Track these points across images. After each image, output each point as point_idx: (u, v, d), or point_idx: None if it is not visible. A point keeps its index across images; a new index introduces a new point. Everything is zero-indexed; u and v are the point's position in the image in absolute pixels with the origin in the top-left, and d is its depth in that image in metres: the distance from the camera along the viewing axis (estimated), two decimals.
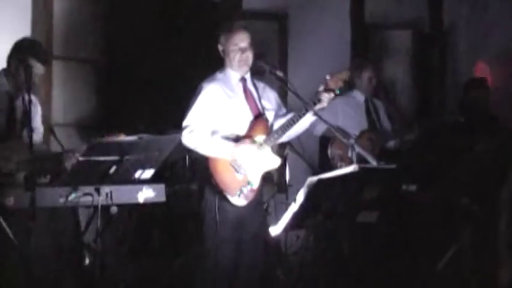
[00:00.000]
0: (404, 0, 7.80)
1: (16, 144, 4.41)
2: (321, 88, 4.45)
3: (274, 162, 4.57)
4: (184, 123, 4.48)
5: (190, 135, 4.43)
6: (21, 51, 4.63)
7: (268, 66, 4.63)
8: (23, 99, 4.63)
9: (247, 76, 4.69)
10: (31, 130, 4.12)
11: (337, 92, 4.49)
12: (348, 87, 6.27)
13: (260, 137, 4.53)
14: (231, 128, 4.54)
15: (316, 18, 7.33)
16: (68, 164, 4.45)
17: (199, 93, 4.54)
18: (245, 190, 4.46)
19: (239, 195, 4.45)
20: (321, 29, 7.33)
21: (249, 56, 4.59)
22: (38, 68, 4.60)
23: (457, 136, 5.93)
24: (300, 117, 4.46)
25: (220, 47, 4.66)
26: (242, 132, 4.55)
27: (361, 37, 7.65)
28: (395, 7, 7.78)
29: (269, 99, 4.74)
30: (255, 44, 4.64)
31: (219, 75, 4.66)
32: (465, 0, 7.82)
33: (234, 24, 4.69)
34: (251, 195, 4.50)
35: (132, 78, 6.36)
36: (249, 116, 4.59)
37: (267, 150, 4.53)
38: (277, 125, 4.61)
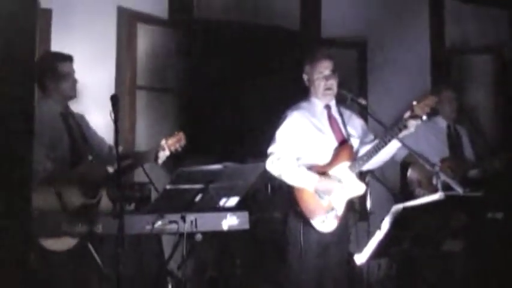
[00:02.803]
0: (486, 24, 7.68)
1: (90, 166, 4.47)
2: (407, 114, 4.41)
3: (359, 188, 4.55)
4: (269, 150, 4.53)
5: (276, 163, 4.46)
6: (47, 65, 4.59)
7: (350, 93, 4.64)
8: (73, 116, 4.67)
9: (332, 103, 4.72)
10: (119, 157, 4.12)
11: (424, 118, 4.43)
12: (431, 112, 6.21)
13: (345, 165, 4.53)
14: (316, 155, 4.56)
15: (396, 44, 7.29)
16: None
17: (283, 121, 4.59)
18: (329, 217, 4.46)
19: (323, 222, 4.44)
20: (400, 55, 7.28)
21: (334, 83, 4.63)
22: (69, 67, 4.62)
23: None
24: (386, 143, 4.44)
25: (305, 76, 4.71)
26: (327, 159, 4.56)
27: (442, 62, 7.57)
28: (476, 31, 7.68)
29: (355, 127, 4.74)
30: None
31: (303, 103, 4.70)
32: None
33: (317, 52, 4.73)
34: (336, 222, 4.50)
35: (213, 106, 6.44)
36: (334, 143, 4.59)
37: (352, 177, 4.52)
38: (363, 151, 4.60)
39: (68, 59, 4.65)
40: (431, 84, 7.36)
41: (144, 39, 6.25)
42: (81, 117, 4.78)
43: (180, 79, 6.50)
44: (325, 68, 4.62)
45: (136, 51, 6.19)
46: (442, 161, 5.98)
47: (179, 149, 4.62)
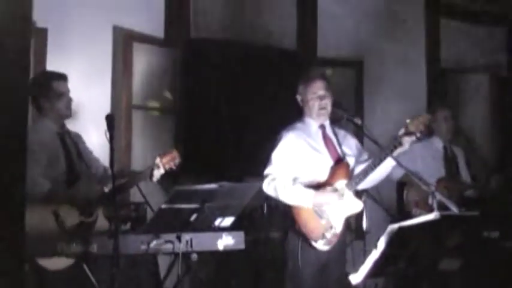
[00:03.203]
0: (481, 43, 7.71)
1: (86, 185, 4.47)
2: (401, 132, 4.43)
3: (357, 206, 4.56)
4: (265, 172, 4.55)
5: (272, 183, 4.48)
6: (41, 85, 4.59)
7: (346, 113, 4.66)
8: (69, 135, 4.68)
9: (326, 123, 4.74)
10: (114, 176, 4.09)
11: (418, 135, 4.44)
12: (427, 133, 6.23)
13: (341, 183, 4.53)
14: (312, 174, 4.58)
15: (392, 64, 7.32)
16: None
17: (279, 142, 4.62)
18: (328, 235, 4.47)
19: (322, 240, 4.45)
20: (396, 74, 7.31)
21: (328, 103, 4.66)
22: (64, 86, 4.62)
23: None
24: (381, 161, 4.45)
25: (298, 97, 4.74)
26: (323, 178, 4.57)
27: (438, 82, 7.59)
28: (472, 51, 7.71)
29: (349, 146, 4.76)
30: (332, 91, 4.69)
31: (298, 124, 4.73)
32: None
33: (311, 73, 4.77)
34: (334, 240, 4.51)
35: (210, 125, 6.45)
36: (330, 162, 4.61)
37: (349, 194, 4.53)
38: (358, 170, 4.61)
39: (63, 78, 4.64)
40: (427, 104, 7.37)
41: (140, 59, 6.26)
42: (78, 137, 4.78)
43: (177, 98, 6.50)
44: (318, 88, 4.65)
45: (132, 71, 6.18)
46: (438, 181, 5.99)
47: (174, 167, 4.60)
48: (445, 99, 7.48)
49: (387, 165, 4.54)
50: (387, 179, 5.95)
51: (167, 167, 4.57)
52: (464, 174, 6.27)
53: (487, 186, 6.06)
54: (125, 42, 6.14)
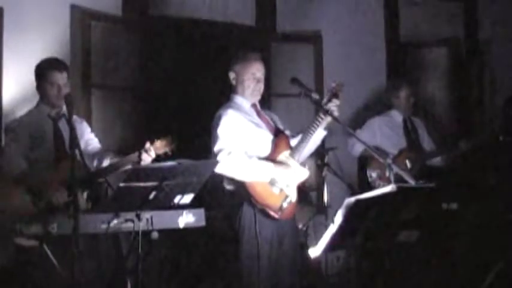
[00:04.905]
0: (440, 17, 7.76)
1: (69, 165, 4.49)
2: (324, 100, 4.55)
3: (303, 173, 4.61)
4: (216, 149, 4.54)
5: (227, 159, 4.46)
6: (39, 71, 4.80)
7: (303, 88, 4.67)
8: (66, 119, 4.69)
9: (257, 102, 4.84)
10: (82, 155, 4.17)
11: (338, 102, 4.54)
12: (387, 107, 6.30)
13: (285, 153, 4.61)
14: (257, 149, 4.62)
15: (351, 38, 7.33)
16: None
17: (220, 119, 4.62)
18: (285, 205, 4.51)
19: (281, 210, 4.48)
20: (356, 49, 7.33)
21: (262, 86, 4.76)
22: (61, 78, 4.76)
23: (500, 154, 5.90)
24: (319, 122, 4.53)
25: (232, 75, 4.80)
26: (266, 152, 4.63)
27: (397, 56, 7.63)
28: (430, 25, 7.74)
29: (277, 122, 4.89)
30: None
31: (231, 103, 4.79)
32: (500, 18, 7.73)
33: (250, 54, 4.79)
34: (291, 209, 4.58)
35: (168, 104, 6.42)
36: (269, 136, 4.69)
37: (295, 163, 4.58)
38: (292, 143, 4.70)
39: (57, 68, 4.79)
40: (386, 78, 7.42)
41: (98, 37, 6.20)
42: (79, 122, 4.92)
43: (135, 77, 6.46)
44: (257, 69, 4.74)
45: (90, 49, 6.15)
46: (400, 152, 6.07)
47: (169, 153, 4.61)
48: (403, 72, 7.53)
49: (318, 136, 4.66)
50: (348, 155, 6.04)
51: (161, 151, 4.59)
52: (426, 144, 6.35)
53: (456, 151, 6.08)
54: (82, 20, 6.08)
